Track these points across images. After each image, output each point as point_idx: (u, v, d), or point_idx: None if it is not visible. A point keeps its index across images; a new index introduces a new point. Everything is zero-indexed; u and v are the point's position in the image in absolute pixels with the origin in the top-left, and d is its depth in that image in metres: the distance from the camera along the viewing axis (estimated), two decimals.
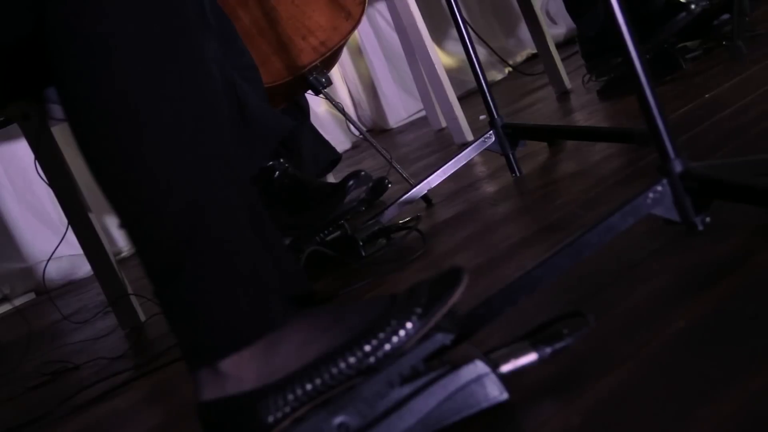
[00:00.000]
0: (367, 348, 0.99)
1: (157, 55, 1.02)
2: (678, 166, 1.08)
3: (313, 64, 2.32)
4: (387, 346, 0.99)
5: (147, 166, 1.00)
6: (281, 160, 2.14)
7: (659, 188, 1.09)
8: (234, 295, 1.02)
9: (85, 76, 1.00)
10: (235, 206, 1.04)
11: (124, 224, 1.04)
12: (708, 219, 1.09)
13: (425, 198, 2.14)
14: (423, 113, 3.91)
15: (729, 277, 1.06)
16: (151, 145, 1.00)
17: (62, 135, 2.24)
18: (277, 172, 2.11)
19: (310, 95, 2.49)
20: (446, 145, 3.06)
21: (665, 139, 1.09)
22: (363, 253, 1.86)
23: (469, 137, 2.87)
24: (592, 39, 2.73)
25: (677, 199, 1.09)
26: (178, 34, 1.05)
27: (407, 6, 2.87)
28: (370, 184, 2.13)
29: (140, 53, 1.01)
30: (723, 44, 2.50)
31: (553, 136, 2.21)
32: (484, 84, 2.04)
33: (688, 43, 2.64)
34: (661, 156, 1.09)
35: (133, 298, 2.20)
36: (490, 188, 2.14)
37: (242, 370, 1.01)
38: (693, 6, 2.55)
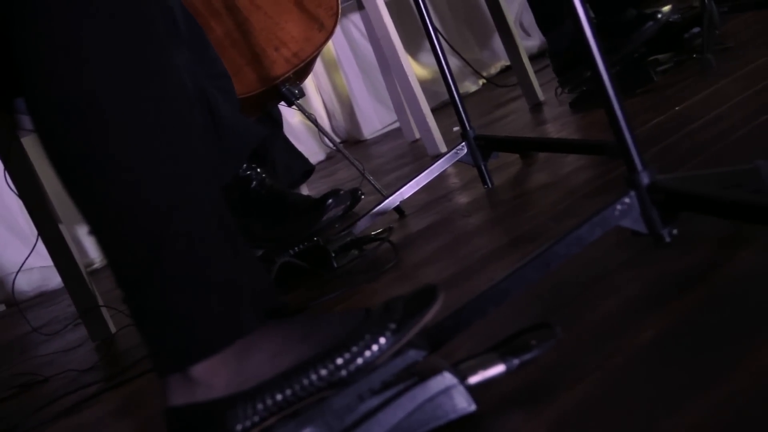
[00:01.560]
0: (340, 361, 0.99)
1: (127, 62, 1.01)
2: (645, 179, 1.09)
3: (286, 75, 2.32)
4: (359, 360, 0.99)
5: (115, 172, 1.00)
6: (258, 170, 2.14)
7: (627, 200, 1.10)
8: (205, 301, 1.01)
9: (53, 81, 1.00)
10: (205, 213, 1.04)
11: (93, 231, 1.03)
12: (675, 231, 1.10)
13: (398, 209, 2.15)
14: (397, 124, 3.91)
15: (695, 289, 1.07)
16: (120, 152, 1.00)
17: (32, 146, 2.22)
18: (254, 182, 2.11)
19: (283, 106, 2.49)
20: (420, 157, 3.06)
21: (633, 152, 1.09)
22: (335, 265, 1.86)
23: (443, 149, 2.88)
24: (563, 53, 2.75)
25: (644, 211, 1.10)
26: (147, 41, 1.05)
27: (381, 18, 2.87)
28: (348, 203, 2.14)
29: (109, 60, 1.00)
30: (693, 57, 2.52)
31: (525, 148, 2.22)
32: (456, 96, 2.05)
33: (660, 56, 2.66)
34: (629, 168, 1.10)
35: (104, 310, 2.19)
36: (462, 199, 2.14)
37: (213, 377, 1.01)
38: (660, 15, 2.58)
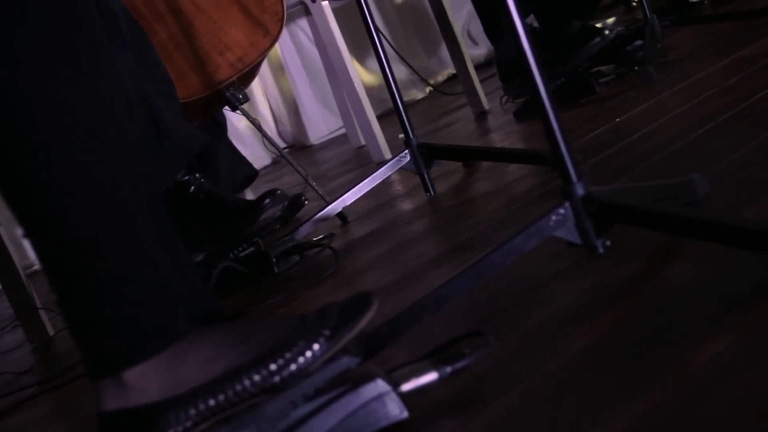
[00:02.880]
0: (273, 367, 0.99)
1: (62, 65, 1.01)
2: (580, 190, 1.11)
3: (230, 80, 2.32)
4: (293, 366, 0.99)
5: (49, 175, 0.99)
6: (197, 175, 2.13)
7: (561, 211, 1.11)
8: (138, 306, 1.01)
9: None
10: (140, 218, 1.04)
11: (27, 234, 1.03)
12: (608, 242, 1.12)
13: (340, 215, 2.15)
14: (344, 130, 3.92)
15: (627, 299, 1.08)
16: (53, 156, 0.99)
17: None
18: (193, 187, 2.10)
19: (229, 110, 2.49)
20: (365, 163, 3.07)
21: (568, 164, 1.11)
22: (276, 270, 1.86)
23: (388, 155, 2.89)
24: (509, 61, 2.78)
25: (579, 222, 1.11)
26: (83, 45, 1.04)
27: (327, 24, 2.88)
28: (286, 203, 2.14)
29: (44, 63, 1.00)
30: (635, 69, 2.55)
31: (467, 156, 2.24)
32: (400, 103, 2.06)
33: (602, 68, 2.69)
34: (564, 180, 1.12)
35: (42, 312, 2.17)
36: (405, 206, 2.15)
37: (146, 382, 1.01)
38: (607, 32, 2.61)
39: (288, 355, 1.00)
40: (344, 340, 1.00)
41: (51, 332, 2.17)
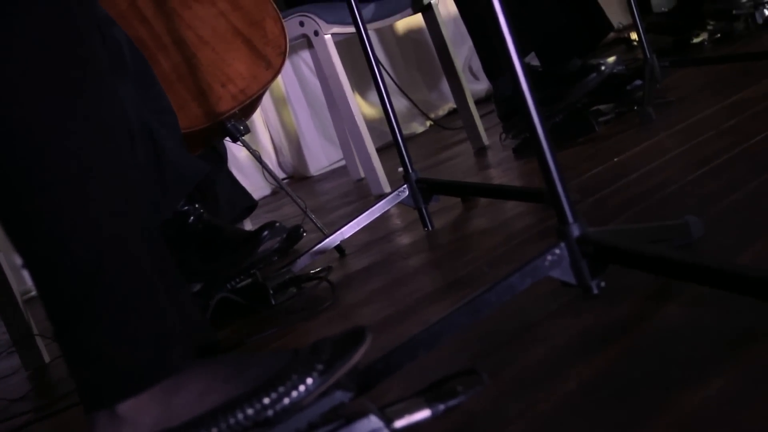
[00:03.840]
0: (266, 401, 1.00)
1: (64, 94, 1.02)
2: (575, 231, 1.12)
3: (232, 111, 2.33)
4: (286, 400, 1.00)
5: (48, 207, 1.00)
6: (196, 206, 2.14)
7: (557, 251, 1.12)
8: (135, 338, 1.02)
9: None
10: (138, 251, 1.05)
11: (26, 265, 1.03)
12: (603, 283, 1.12)
13: (338, 248, 2.16)
14: (344, 162, 3.93)
15: (620, 340, 1.09)
16: (53, 187, 1.00)
17: None
18: (192, 218, 2.11)
19: (229, 141, 2.50)
20: (364, 196, 3.08)
21: (564, 204, 1.12)
22: (273, 302, 1.86)
23: (387, 189, 2.90)
24: (508, 99, 2.79)
25: (574, 262, 1.12)
26: (84, 75, 1.05)
27: (329, 57, 2.90)
28: (284, 235, 2.14)
29: (46, 93, 1.01)
30: (634, 109, 2.57)
31: (466, 192, 2.25)
32: (399, 138, 2.07)
33: (602, 107, 2.71)
34: (560, 220, 1.13)
35: (39, 339, 2.17)
36: (402, 241, 2.16)
37: (139, 415, 1.01)
38: (603, 68, 2.63)
39: (281, 389, 1.00)
40: (337, 374, 1.01)
41: (47, 359, 2.17)
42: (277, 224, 2.11)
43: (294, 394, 1.00)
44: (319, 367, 1.01)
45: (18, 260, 3.03)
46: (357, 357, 1.02)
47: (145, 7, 2.33)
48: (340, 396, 1.01)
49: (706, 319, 1.07)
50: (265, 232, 2.05)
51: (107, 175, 1.04)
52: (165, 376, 1.02)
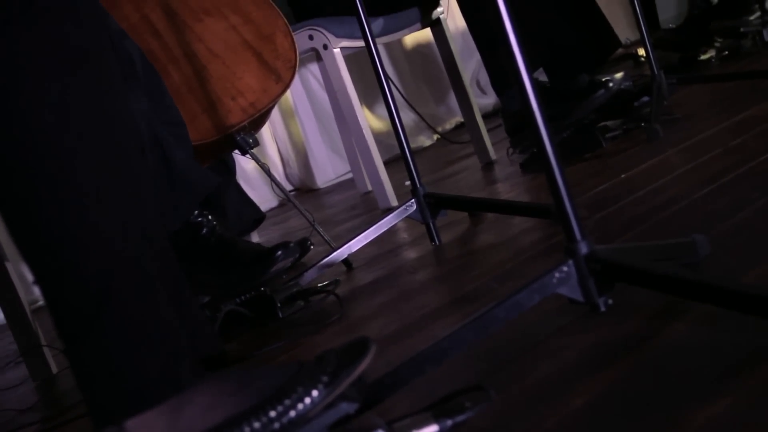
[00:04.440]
0: (273, 414, 1.01)
1: (76, 106, 1.03)
2: (583, 249, 1.12)
3: (242, 124, 2.34)
4: (292, 413, 1.01)
5: (60, 223, 1.01)
6: (210, 217, 2.15)
7: (565, 269, 1.13)
8: (143, 356, 1.02)
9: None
10: (148, 264, 1.05)
11: (36, 278, 1.04)
12: (611, 301, 1.13)
13: (346, 262, 2.17)
14: (351, 175, 3.94)
15: (627, 358, 1.10)
16: (64, 200, 1.01)
17: None
18: (205, 229, 2.12)
19: (237, 153, 2.51)
20: (371, 209, 3.09)
21: (572, 223, 1.13)
22: (280, 315, 1.87)
23: (394, 202, 2.91)
24: (515, 114, 2.80)
25: (581, 280, 1.13)
26: (98, 86, 1.06)
27: (338, 70, 2.91)
28: (297, 256, 2.16)
29: (58, 105, 1.02)
30: (642, 126, 2.58)
31: (474, 207, 2.26)
32: (408, 153, 2.08)
33: (609, 123, 2.72)
34: (568, 238, 1.13)
35: (46, 350, 2.17)
36: (409, 255, 2.17)
37: (147, 431, 1.02)
38: (611, 84, 2.64)
39: (287, 401, 1.01)
40: (343, 385, 1.02)
41: (54, 370, 2.17)
42: (291, 244, 2.13)
43: (300, 406, 1.01)
44: (324, 378, 1.02)
45: (26, 270, 3.04)
46: (361, 367, 1.03)
47: (156, 20, 2.34)
48: (345, 407, 1.02)
49: (713, 338, 1.07)
50: (279, 252, 2.07)
51: (118, 188, 1.05)
52: (173, 392, 1.02)
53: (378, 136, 3.94)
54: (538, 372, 1.15)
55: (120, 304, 1.01)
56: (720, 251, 1.33)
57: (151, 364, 1.02)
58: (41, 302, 3.41)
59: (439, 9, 3.23)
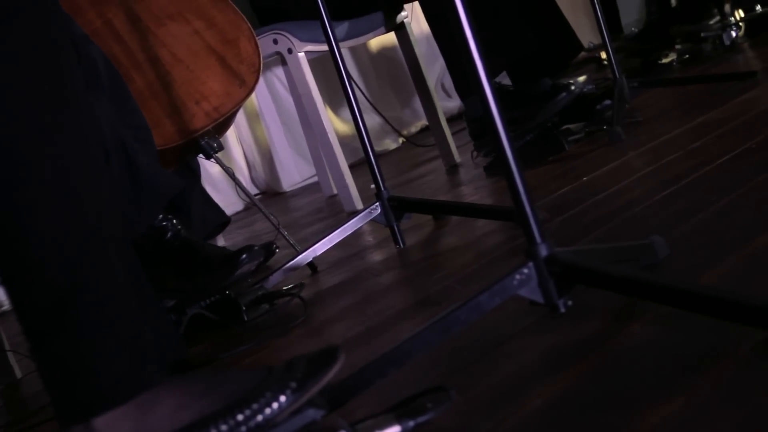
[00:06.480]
0: (240, 417, 1.01)
1: (39, 111, 1.03)
2: (543, 251, 1.14)
3: (206, 129, 2.35)
4: (259, 417, 1.02)
5: (25, 222, 1.01)
6: (174, 221, 2.15)
7: (525, 271, 1.14)
8: (110, 354, 1.03)
9: None
10: (113, 266, 1.06)
11: (2, 281, 1.04)
12: (570, 302, 1.15)
13: (311, 265, 2.18)
14: (316, 178, 3.95)
15: (586, 358, 1.11)
16: (29, 203, 1.01)
17: None
18: (169, 233, 2.12)
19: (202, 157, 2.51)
20: (336, 212, 3.10)
21: (532, 225, 1.14)
22: (245, 318, 1.88)
23: (359, 205, 2.92)
24: (479, 118, 2.82)
25: (541, 282, 1.14)
26: (61, 91, 1.06)
27: (303, 74, 2.92)
28: (261, 259, 2.16)
29: (21, 110, 1.02)
30: (604, 128, 2.61)
31: (437, 210, 2.27)
32: (372, 157, 2.09)
33: (572, 126, 2.74)
34: (528, 240, 1.15)
35: (10, 355, 2.17)
36: (374, 258, 2.18)
37: (114, 429, 1.02)
38: (573, 87, 2.67)
39: (255, 405, 1.02)
40: (310, 392, 1.03)
41: (19, 374, 2.16)
42: (256, 248, 2.13)
43: (267, 411, 1.01)
44: (293, 384, 1.03)
45: None
46: (330, 375, 1.04)
47: (119, 25, 2.34)
48: (312, 414, 1.03)
49: (670, 339, 1.09)
50: (244, 256, 2.07)
51: (83, 191, 1.05)
52: (140, 390, 1.03)
53: (343, 140, 3.95)
54: (499, 372, 1.16)
55: (85, 301, 1.02)
56: (680, 252, 1.36)
57: (118, 361, 1.03)
58: (6, 307, 3.39)
59: (403, 13, 3.25)
